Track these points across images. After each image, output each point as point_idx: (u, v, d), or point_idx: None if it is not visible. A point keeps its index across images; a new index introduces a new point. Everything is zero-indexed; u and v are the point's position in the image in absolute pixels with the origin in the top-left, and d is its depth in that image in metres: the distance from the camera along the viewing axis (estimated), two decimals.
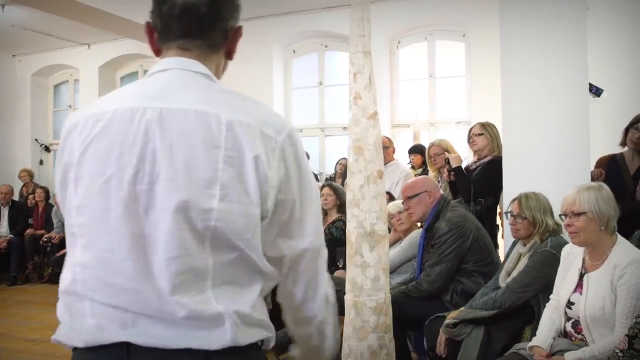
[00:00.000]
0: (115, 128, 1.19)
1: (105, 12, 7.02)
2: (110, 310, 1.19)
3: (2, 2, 7.49)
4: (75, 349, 1.25)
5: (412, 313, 3.64)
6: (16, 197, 9.28)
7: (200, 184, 1.16)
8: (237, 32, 1.36)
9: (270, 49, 8.41)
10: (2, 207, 8.85)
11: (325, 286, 1.40)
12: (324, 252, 1.38)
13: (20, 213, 8.84)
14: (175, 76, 1.27)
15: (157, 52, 1.35)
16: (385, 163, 4.20)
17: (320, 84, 8.57)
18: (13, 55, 10.63)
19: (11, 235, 8.56)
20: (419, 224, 4.55)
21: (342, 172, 7.06)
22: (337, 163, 7.70)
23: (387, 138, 6.17)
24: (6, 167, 10.33)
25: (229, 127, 1.18)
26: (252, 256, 1.22)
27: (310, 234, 1.32)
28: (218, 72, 1.37)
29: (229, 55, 1.39)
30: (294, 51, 8.70)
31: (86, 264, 1.21)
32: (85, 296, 1.21)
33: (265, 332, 1.27)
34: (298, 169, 1.28)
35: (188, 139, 1.17)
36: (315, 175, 7.96)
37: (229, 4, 1.32)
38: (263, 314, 1.27)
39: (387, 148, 5.69)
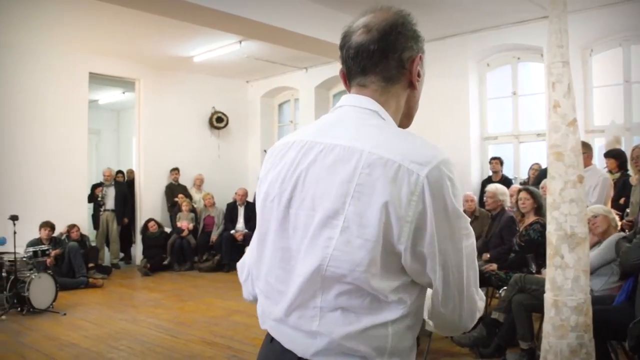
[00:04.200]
0: (288, 157, 1.26)
1: (320, 40, 7.39)
2: (265, 300, 1.33)
3: (241, 38, 8.21)
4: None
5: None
6: (250, 199, 10.06)
7: (329, 213, 1.14)
8: (414, 62, 1.26)
9: (465, 64, 8.24)
10: (239, 207, 9.66)
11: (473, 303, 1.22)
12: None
13: (252, 212, 9.57)
14: (343, 112, 1.27)
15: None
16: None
17: (514, 94, 8.19)
18: (247, 81, 11.61)
19: (246, 230, 9.31)
20: (618, 227, 4.18)
21: (535, 176, 6.69)
22: (529, 168, 7.32)
23: (585, 143, 5.69)
24: (241, 173, 11.32)
25: (366, 165, 1.12)
26: (365, 287, 1.13)
27: (441, 269, 1.14)
28: (399, 105, 1.30)
29: (412, 85, 1.28)
30: (488, 64, 8.42)
31: (260, 261, 1.34)
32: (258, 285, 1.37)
33: None
34: (435, 202, 1.10)
35: (331, 172, 1.16)
36: (510, 180, 7.62)
37: (401, 37, 1.24)
38: (374, 344, 1.15)
39: (584, 153, 5.26)
